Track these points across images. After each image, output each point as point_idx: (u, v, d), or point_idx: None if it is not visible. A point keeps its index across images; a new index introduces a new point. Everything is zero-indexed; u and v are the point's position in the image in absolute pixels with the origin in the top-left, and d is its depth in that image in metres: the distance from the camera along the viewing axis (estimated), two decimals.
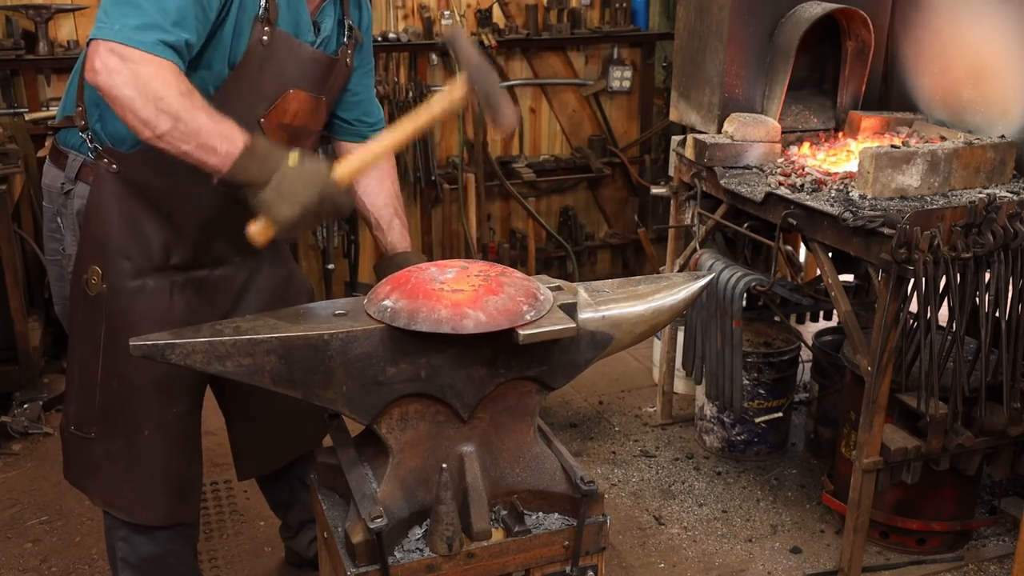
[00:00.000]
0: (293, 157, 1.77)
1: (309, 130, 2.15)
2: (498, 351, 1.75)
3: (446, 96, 1.90)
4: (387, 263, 2.26)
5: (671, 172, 3.59)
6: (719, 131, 3.21)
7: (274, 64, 1.96)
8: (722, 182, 3.07)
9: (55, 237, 2.15)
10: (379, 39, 4.40)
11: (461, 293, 1.70)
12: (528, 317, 1.70)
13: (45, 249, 2.21)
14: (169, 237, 2.08)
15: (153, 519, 2.19)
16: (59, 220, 2.12)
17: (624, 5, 4.83)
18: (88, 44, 1.75)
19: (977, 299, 2.58)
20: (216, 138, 1.73)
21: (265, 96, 1.99)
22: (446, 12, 4.48)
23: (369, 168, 2.01)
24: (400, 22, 4.56)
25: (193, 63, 1.87)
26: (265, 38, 1.92)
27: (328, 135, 2.36)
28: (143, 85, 1.69)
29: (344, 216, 1.90)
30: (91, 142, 2.02)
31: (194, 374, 2.13)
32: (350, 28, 2.15)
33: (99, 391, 2.09)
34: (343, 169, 1.85)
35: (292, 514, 2.72)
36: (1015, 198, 2.64)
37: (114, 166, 2.00)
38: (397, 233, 2.32)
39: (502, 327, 1.67)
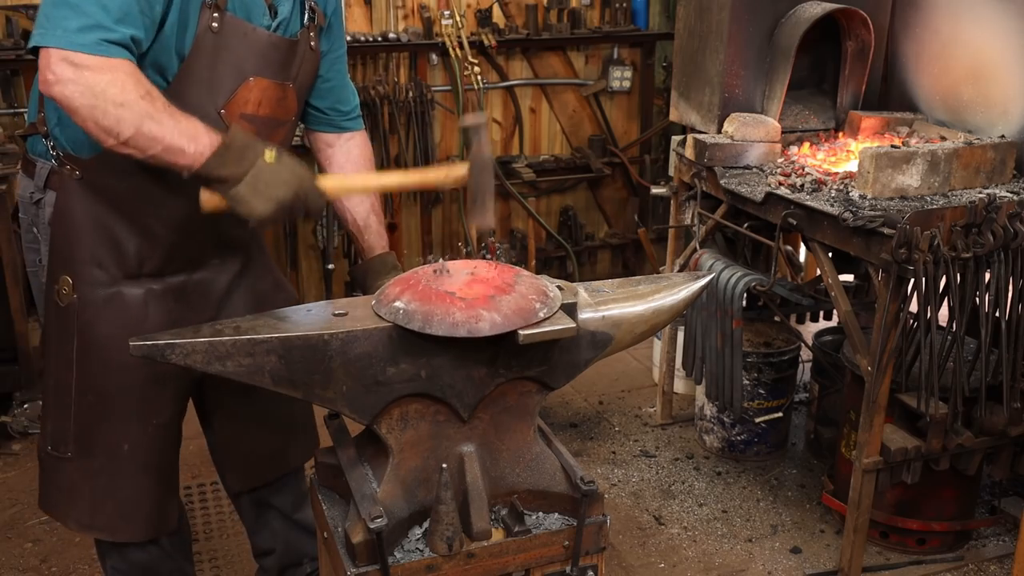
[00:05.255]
0: (270, 154, 1.74)
1: (278, 120, 2.02)
2: (498, 351, 1.74)
3: (444, 172, 1.93)
4: (363, 269, 2.19)
5: (671, 172, 3.59)
6: (719, 131, 3.21)
7: (228, 51, 1.87)
8: (722, 182, 3.07)
9: (32, 248, 2.06)
10: (379, 39, 4.40)
11: (473, 294, 1.70)
12: (542, 315, 1.71)
13: (26, 261, 2.11)
14: (140, 241, 2.00)
15: (136, 535, 2.14)
16: (35, 230, 2.03)
17: (624, 5, 4.83)
18: (37, 53, 1.67)
19: (977, 299, 2.58)
20: (183, 139, 1.69)
21: (223, 86, 1.89)
22: (446, 12, 4.48)
23: (350, 192, 1.98)
24: (400, 22, 4.55)
25: (139, 58, 1.78)
26: (215, 24, 1.83)
27: (303, 126, 2.26)
28: (100, 93, 1.63)
29: (314, 216, 1.92)
30: (53, 149, 1.94)
31: (176, 385, 2.11)
32: (312, 10, 2.05)
33: (74, 407, 2.02)
34: (328, 180, 1.87)
35: (271, 560, 2.54)
36: (1015, 198, 2.64)
37: (77, 172, 1.93)
38: (374, 232, 2.21)
39: (517, 327, 1.67)
